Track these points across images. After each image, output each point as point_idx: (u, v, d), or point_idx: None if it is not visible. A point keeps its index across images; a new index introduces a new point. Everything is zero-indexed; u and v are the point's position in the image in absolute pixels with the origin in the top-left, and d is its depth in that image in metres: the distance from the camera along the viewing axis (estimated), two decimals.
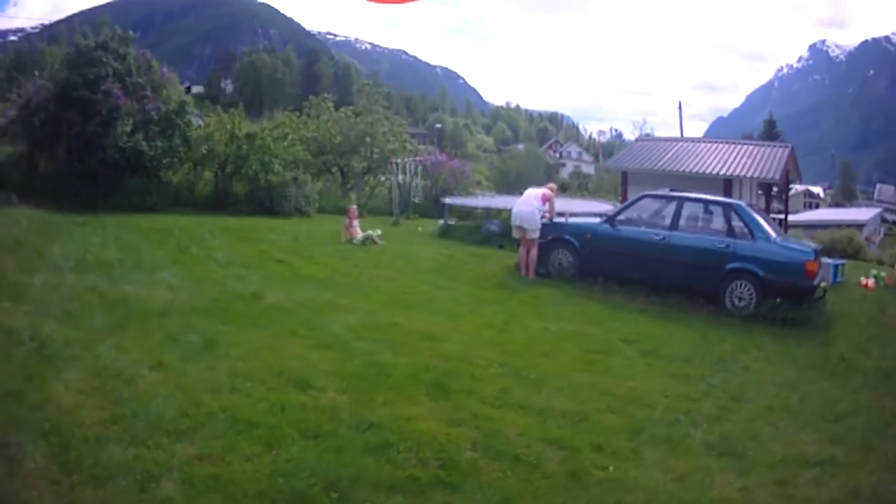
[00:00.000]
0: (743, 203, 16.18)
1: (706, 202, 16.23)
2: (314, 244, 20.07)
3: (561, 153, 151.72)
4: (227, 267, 15.02)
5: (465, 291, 14.68)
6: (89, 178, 26.02)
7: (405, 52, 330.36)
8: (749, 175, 24.06)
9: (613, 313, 13.70)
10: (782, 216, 29.88)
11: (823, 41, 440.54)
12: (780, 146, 26.95)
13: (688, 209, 15.94)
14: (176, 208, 28.02)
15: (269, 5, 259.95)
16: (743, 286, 14.53)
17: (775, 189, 29.37)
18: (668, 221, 15.79)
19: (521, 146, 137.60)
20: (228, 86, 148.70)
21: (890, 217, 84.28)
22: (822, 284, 15.57)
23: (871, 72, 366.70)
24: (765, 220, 16.10)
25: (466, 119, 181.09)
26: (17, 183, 25.58)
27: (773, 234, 15.15)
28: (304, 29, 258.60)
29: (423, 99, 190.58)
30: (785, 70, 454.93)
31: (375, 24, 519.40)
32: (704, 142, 27.98)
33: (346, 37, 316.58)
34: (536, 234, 16.65)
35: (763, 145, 27.55)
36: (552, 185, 18.57)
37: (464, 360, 9.05)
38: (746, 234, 14.87)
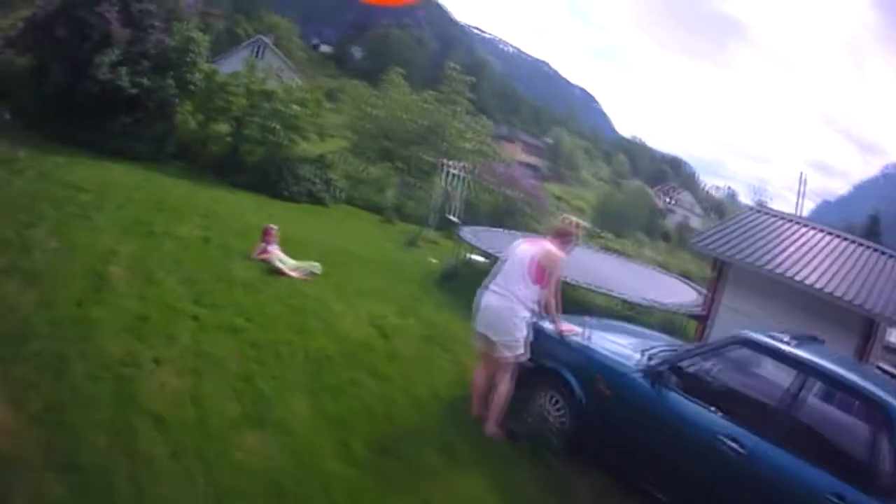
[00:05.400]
0: None
1: (855, 390, 7.27)
2: (225, 254, 14.46)
3: (673, 199, 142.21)
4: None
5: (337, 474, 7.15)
6: (70, 108, 24.42)
7: (547, 65, 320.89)
8: None
9: None
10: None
11: None
12: None
13: (814, 395, 7.77)
14: (176, 162, 26.78)
15: None
16: None
17: None
18: (766, 412, 7.47)
19: (633, 182, 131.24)
20: (357, 52, 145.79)
21: None
22: None
23: None
24: None
25: (590, 143, 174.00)
26: (21, 98, 25.49)
27: None
28: (451, 17, 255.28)
29: (551, 112, 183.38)
30: (892, 169, 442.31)
31: (524, 30, 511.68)
32: (850, 240, 17.71)
33: (492, 35, 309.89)
34: (516, 352, 8.60)
35: None
36: (567, 225, 10.20)
37: None
38: None
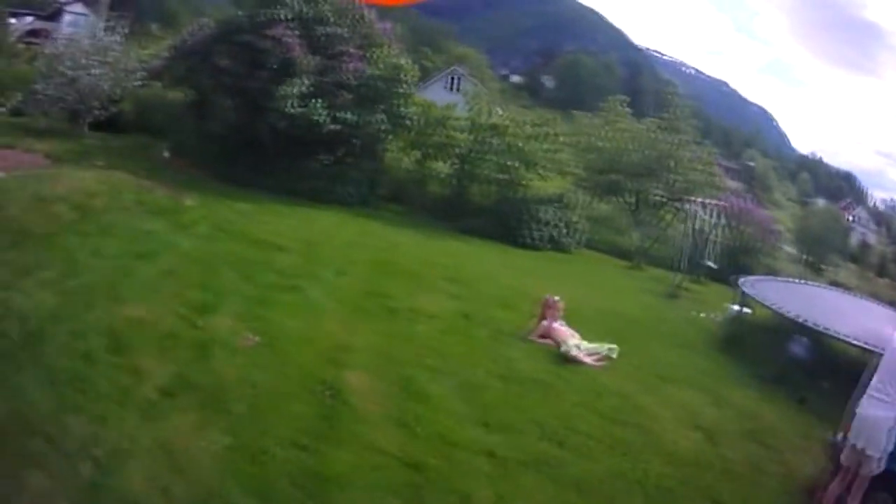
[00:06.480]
0: None
1: None
2: (495, 337, 11.07)
3: (853, 217, 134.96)
4: None
5: None
6: (247, 146, 22.15)
7: (726, 84, 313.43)
8: None
9: None
10: None
11: None
12: None
13: None
14: (390, 206, 24.00)
15: (595, 11, 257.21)
16: None
17: None
18: None
19: (820, 202, 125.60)
20: (549, 81, 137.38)
21: None
22: None
23: None
24: None
25: (776, 163, 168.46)
26: (180, 134, 23.58)
27: None
28: (630, 41, 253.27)
29: (739, 133, 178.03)
30: None
31: (700, 50, 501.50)
32: None
33: (671, 58, 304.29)
34: (882, 466, 7.13)
35: None
36: None
37: None
38: None
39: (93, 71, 22.68)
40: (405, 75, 23.21)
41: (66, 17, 44.69)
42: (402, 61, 23.71)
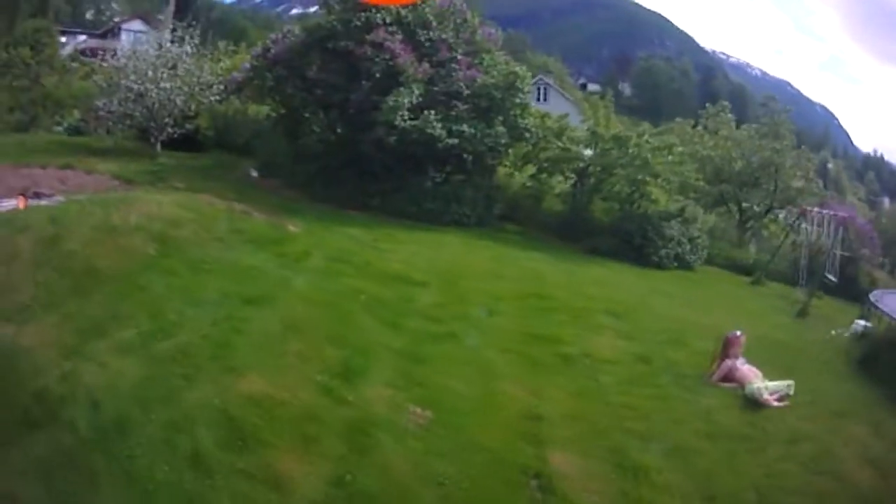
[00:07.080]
0: None
1: None
2: (679, 383, 9.79)
3: None
4: None
5: None
6: (350, 165, 20.90)
7: (790, 84, 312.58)
8: None
9: None
10: None
11: None
12: None
13: None
14: (507, 226, 22.16)
15: (662, 16, 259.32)
16: None
17: None
18: None
19: (886, 202, 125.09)
20: (626, 89, 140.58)
21: None
22: None
23: None
24: None
25: (843, 163, 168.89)
26: (268, 152, 22.68)
27: None
28: (698, 45, 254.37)
29: (809, 134, 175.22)
30: None
31: (764, 49, 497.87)
32: None
33: (738, 59, 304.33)
34: None
35: None
36: None
37: None
38: None
39: (162, 84, 20.85)
40: (521, 83, 21.19)
41: (124, 36, 43.63)
42: (518, 69, 21.67)
